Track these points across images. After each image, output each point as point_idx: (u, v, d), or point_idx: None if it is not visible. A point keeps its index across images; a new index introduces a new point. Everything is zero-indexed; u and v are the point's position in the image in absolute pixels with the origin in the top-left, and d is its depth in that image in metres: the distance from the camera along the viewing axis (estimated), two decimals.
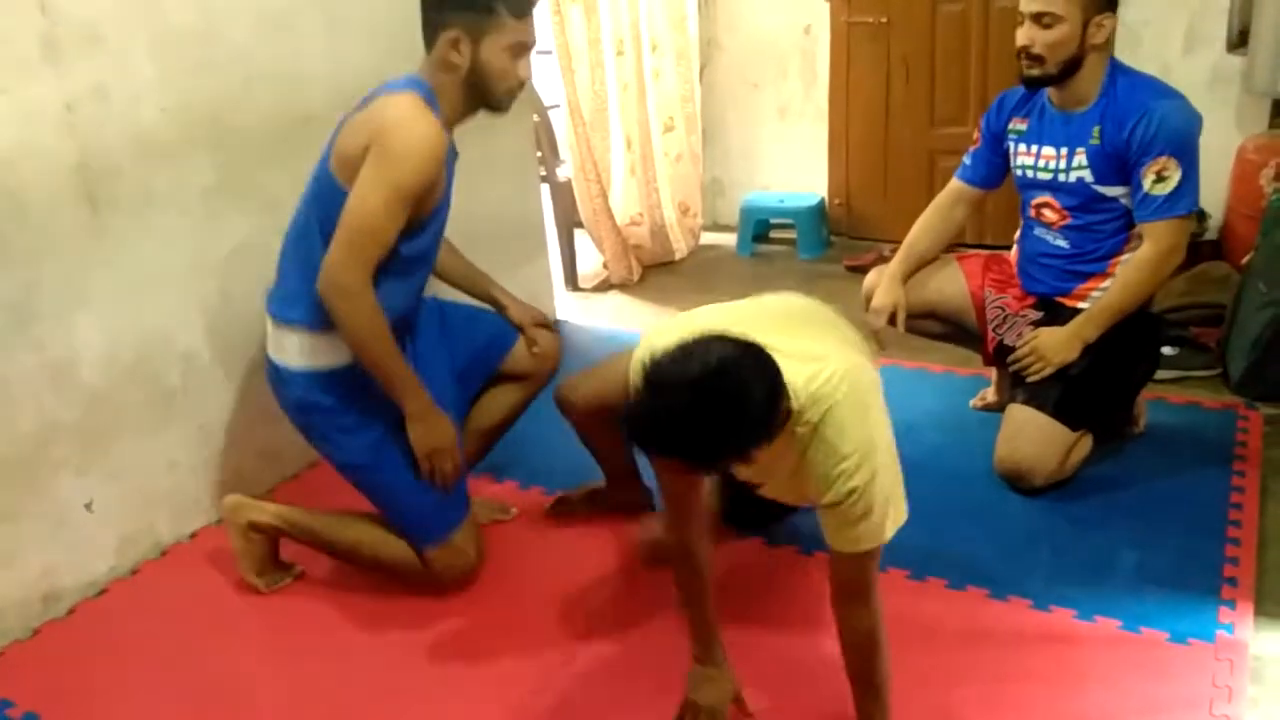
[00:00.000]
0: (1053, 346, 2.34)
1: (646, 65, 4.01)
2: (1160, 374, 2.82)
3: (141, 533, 2.30)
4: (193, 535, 2.40)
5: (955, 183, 2.60)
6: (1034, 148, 2.41)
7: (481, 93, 1.93)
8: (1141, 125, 2.21)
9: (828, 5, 4.19)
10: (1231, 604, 1.95)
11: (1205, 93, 3.57)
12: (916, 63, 4.08)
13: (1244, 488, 2.33)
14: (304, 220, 1.99)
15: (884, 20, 4.08)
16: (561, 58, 3.64)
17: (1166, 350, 2.84)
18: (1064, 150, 2.34)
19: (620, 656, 1.90)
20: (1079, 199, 2.35)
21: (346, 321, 1.85)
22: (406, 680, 1.90)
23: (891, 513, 1.50)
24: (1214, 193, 3.30)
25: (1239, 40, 3.43)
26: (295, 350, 2.00)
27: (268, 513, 2.14)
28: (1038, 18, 2.22)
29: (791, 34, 4.32)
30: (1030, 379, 2.36)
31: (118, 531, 2.24)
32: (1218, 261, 3.34)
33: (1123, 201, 2.31)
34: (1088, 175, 2.31)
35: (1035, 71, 2.28)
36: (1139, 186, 2.25)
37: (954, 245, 2.64)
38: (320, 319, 1.91)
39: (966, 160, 2.58)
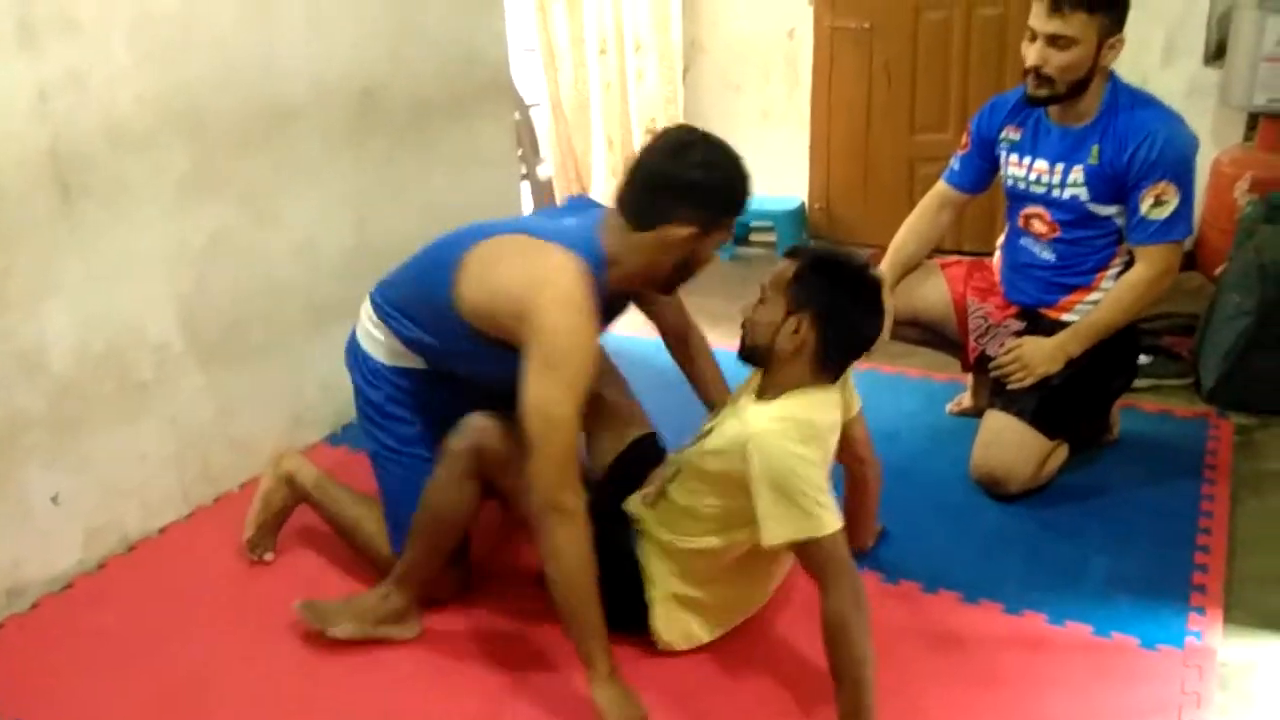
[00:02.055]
0: (1037, 357, 2.34)
1: (629, 65, 4.01)
2: (1134, 382, 2.86)
3: (109, 527, 2.26)
4: (161, 530, 2.36)
5: (941, 186, 2.58)
6: (1027, 159, 2.38)
7: (674, 274, 1.86)
8: (1144, 149, 2.19)
9: (811, 9, 4.21)
10: (1201, 610, 1.97)
11: (1182, 105, 3.55)
12: (898, 69, 4.10)
13: (1214, 496, 2.35)
14: (426, 286, 1.90)
15: (867, 26, 4.10)
16: (544, 55, 3.64)
17: (1141, 359, 2.87)
18: (1059, 166, 2.31)
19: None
20: (1071, 215, 2.33)
21: (560, 551, 1.67)
22: (375, 677, 1.88)
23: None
24: None
25: (1216, 53, 3.48)
26: (383, 348, 2.00)
27: (310, 474, 2.16)
28: (1053, 39, 2.15)
29: (775, 38, 4.33)
30: (1011, 386, 2.36)
31: (84, 525, 2.21)
32: (1191, 272, 3.38)
33: (1115, 220, 2.30)
34: (1083, 194, 2.29)
35: (1043, 92, 2.23)
36: (1136, 209, 2.23)
37: (933, 251, 2.63)
38: (413, 340, 1.95)
39: (954, 164, 2.55)
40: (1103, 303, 2.33)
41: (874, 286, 1.77)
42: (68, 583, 2.18)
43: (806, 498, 1.62)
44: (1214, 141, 3.61)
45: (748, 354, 1.80)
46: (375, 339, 2.03)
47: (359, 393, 2.09)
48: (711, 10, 4.41)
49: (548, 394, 1.65)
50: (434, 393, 2.01)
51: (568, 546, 1.67)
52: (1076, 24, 2.13)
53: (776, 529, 1.63)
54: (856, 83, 4.20)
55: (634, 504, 1.94)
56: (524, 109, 3.88)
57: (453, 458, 1.84)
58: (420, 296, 1.93)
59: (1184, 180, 2.22)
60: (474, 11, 3.09)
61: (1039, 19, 2.17)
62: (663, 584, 1.86)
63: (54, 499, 2.13)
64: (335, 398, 2.78)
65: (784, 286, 1.73)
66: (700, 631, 1.89)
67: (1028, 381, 2.33)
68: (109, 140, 2.11)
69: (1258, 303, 2.66)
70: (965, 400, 2.79)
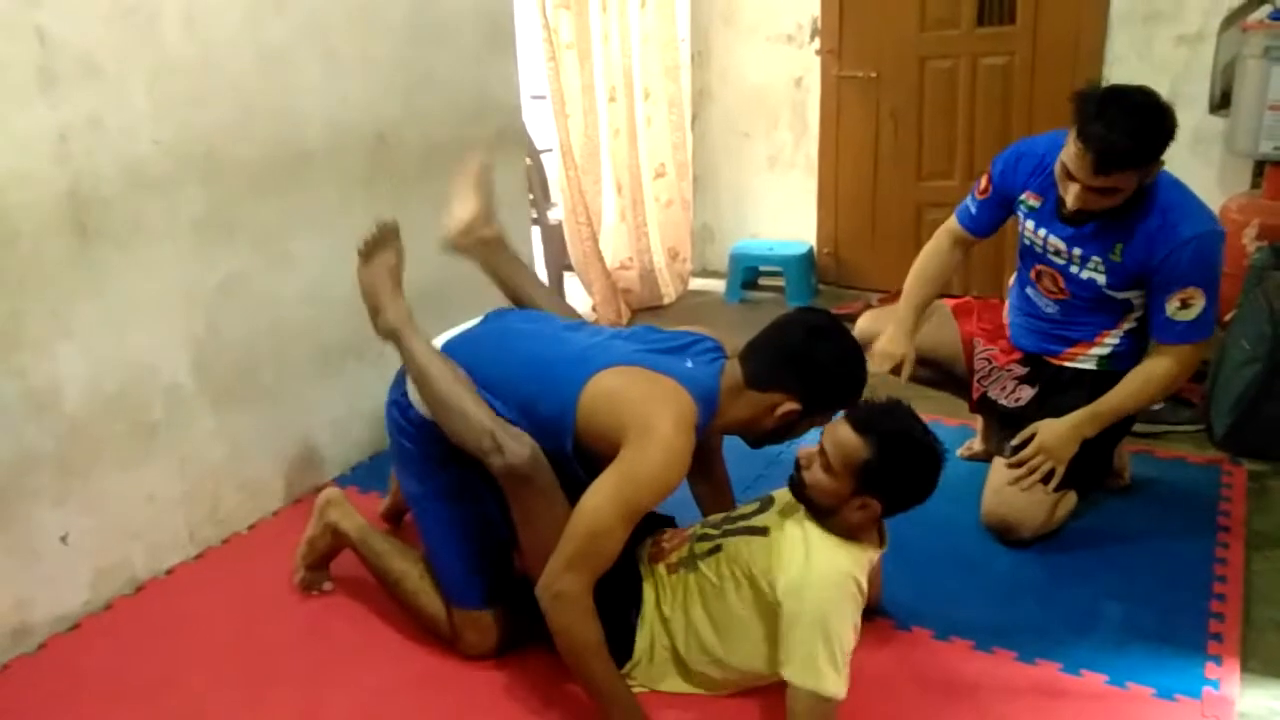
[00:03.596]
0: (1056, 445, 2.29)
1: (639, 112, 4.05)
2: (1145, 428, 2.85)
3: (117, 567, 2.25)
4: (169, 571, 2.35)
5: (954, 225, 2.53)
6: (1043, 231, 2.31)
7: (768, 435, 1.91)
8: (1174, 258, 2.13)
9: (819, 59, 4.26)
10: (1218, 660, 1.95)
11: (1187, 153, 3.63)
12: (905, 116, 4.15)
13: (1229, 543, 2.33)
14: (548, 382, 1.85)
15: (874, 75, 4.15)
16: (555, 102, 3.68)
17: (1153, 405, 2.86)
18: (1077, 251, 2.25)
19: None
20: (1085, 291, 2.30)
21: (560, 632, 1.72)
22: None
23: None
24: None
25: (1221, 102, 3.50)
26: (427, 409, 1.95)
27: (353, 524, 2.16)
28: (1098, 190, 2.08)
29: (783, 86, 4.39)
30: (1035, 476, 2.31)
31: (93, 565, 2.20)
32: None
33: (1132, 300, 2.27)
34: (1100, 280, 2.25)
35: (1080, 218, 2.18)
36: (1161, 308, 2.18)
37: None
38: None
39: (971, 207, 2.48)
40: (1122, 387, 2.28)
41: (939, 465, 1.76)
42: (75, 623, 2.16)
43: (838, 656, 1.65)
44: (1221, 189, 3.62)
45: (804, 500, 1.78)
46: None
47: (398, 444, 2.05)
48: (721, 59, 4.47)
49: (607, 509, 1.68)
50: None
51: (569, 627, 1.71)
52: (1122, 179, 2.05)
53: (802, 670, 1.65)
54: (864, 130, 4.24)
55: (649, 562, 1.93)
56: (535, 154, 3.92)
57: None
58: (534, 385, 1.87)
59: (1212, 284, 2.16)
60: (486, 59, 3.14)
61: (1082, 172, 2.06)
62: (656, 639, 1.87)
63: (63, 539, 2.13)
64: (345, 439, 2.79)
65: (853, 468, 1.70)
66: (681, 686, 1.88)
67: (1059, 472, 2.28)
68: (126, 183, 2.14)
69: (1268, 349, 2.66)
70: (975, 445, 2.78)
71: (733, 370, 1.87)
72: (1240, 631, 2.03)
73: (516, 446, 1.76)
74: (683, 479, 1.75)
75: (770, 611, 1.74)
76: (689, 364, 1.86)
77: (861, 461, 1.69)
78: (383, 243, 2.04)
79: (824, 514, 1.75)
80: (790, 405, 1.82)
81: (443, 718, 1.88)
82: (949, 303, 2.65)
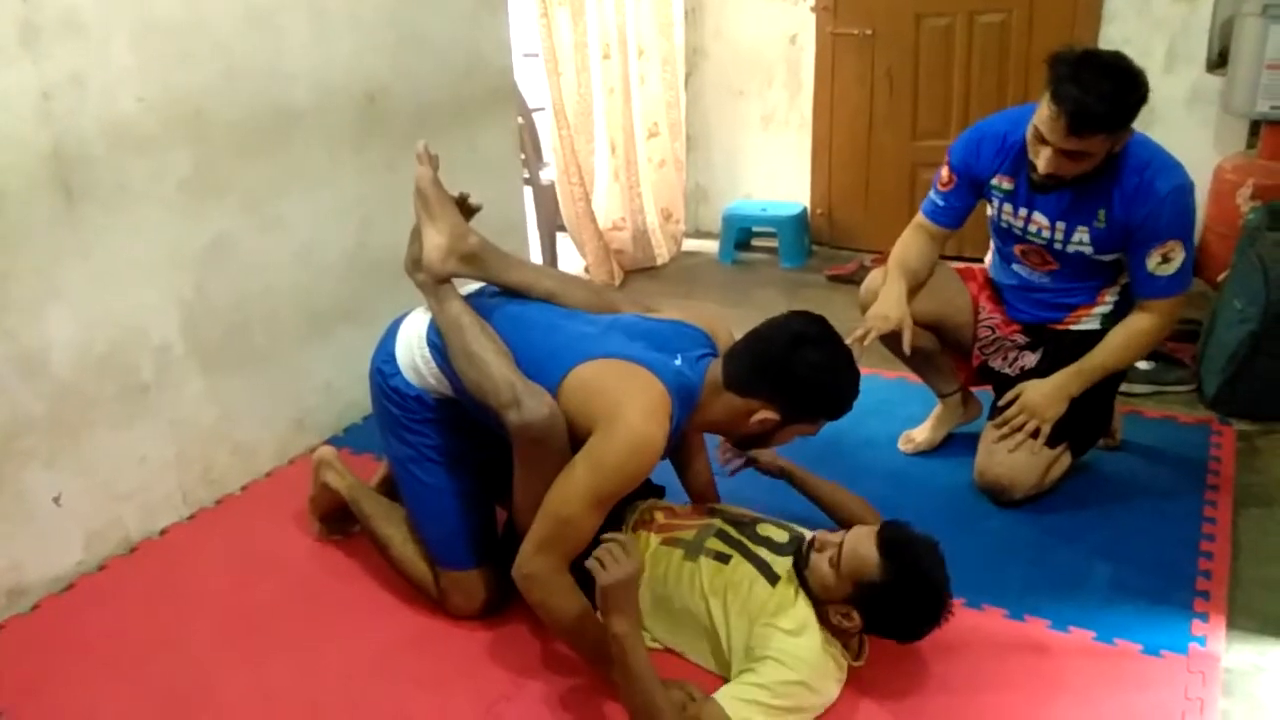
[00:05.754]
0: (1042, 403, 2.30)
1: (633, 70, 4.01)
2: (1136, 388, 2.86)
3: (110, 528, 2.26)
4: (163, 532, 2.36)
5: (923, 221, 2.46)
6: (1024, 211, 2.29)
7: (748, 439, 1.90)
8: (1152, 213, 2.14)
9: (814, 16, 4.21)
10: (1204, 617, 1.97)
11: (1184, 111, 3.62)
12: (900, 75, 4.11)
13: (1217, 503, 2.34)
14: (525, 367, 1.82)
15: (869, 32, 4.10)
16: (548, 60, 3.64)
17: (1142, 365, 2.87)
18: (1061, 224, 2.25)
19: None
20: (1073, 263, 2.30)
21: (537, 607, 1.77)
22: (377, 679, 1.88)
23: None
24: None
25: (1218, 60, 3.48)
26: (429, 386, 1.95)
27: (344, 483, 2.18)
28: (1069, 153, 2.07)
29: (777, 44, 4.34)
30: (1022, 435, 2.32)
31: (86, 526, 2.21)
32: (1194, 279, 3.37)
33: (1123, 261, 2.27)
34: (1088, 250, 2.25)
35: (1051, 183, 2.16)
36: (1141, 265, 2.20)
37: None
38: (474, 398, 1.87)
39: (939, 201, 2.43)
40: (1106, 345, 2.29)
41: (937, 618, 1.73)
42: (69, 584, 2.17)
43: (783, 714, 1.64)
44: (1216, 148, 3.61)
45: (800, 576, 1.77)
46: (422, 375, 1.95)
47: (382, 407, 2.03)
48: (715, 16, 4.42)
49: (574, 495, 1.68)
50: (459, 419, 1.97)
51: (547, 605, 1.75)
52: (1094, 142, 2.05)
53: (742, 705, 1.62)
54: (859, 88, 4.20)
55: (634, 529, 1.94)
56: (527, 114, 3.89)
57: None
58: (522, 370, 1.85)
59: (1189, 236, 2.19)
60: (478, 18, 3.10)
61: (1055, 134, 2.05)
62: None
63: (56, 500, 2.13)
64: (336, 401, 2.79)
65: (858, 580, 1.68)
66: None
67: (1044, 430, 2.30)
68: (111, 143, 2.12)
69: (1260, 310, 2.66)
70: (917, 435, 2.66)
71: (716, 370, 1.84)
72: (1227, 589, 2.05)
73: (534, 404, 1.74)
74: (651, 468, 1.74)
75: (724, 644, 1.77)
76: (676, 360, 1.83)
77: (868, 580, 1.68)
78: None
79: (811, 598, 1.75)
80: (767, 414, 1.79)
81: (439, 676, 1.89)
82: (956, 268, 2.59)
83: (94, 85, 2.07)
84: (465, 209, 2.02)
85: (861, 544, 1.70)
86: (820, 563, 1.73)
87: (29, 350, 2.04)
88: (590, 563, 1.63)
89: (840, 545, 1.72)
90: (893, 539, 1.70)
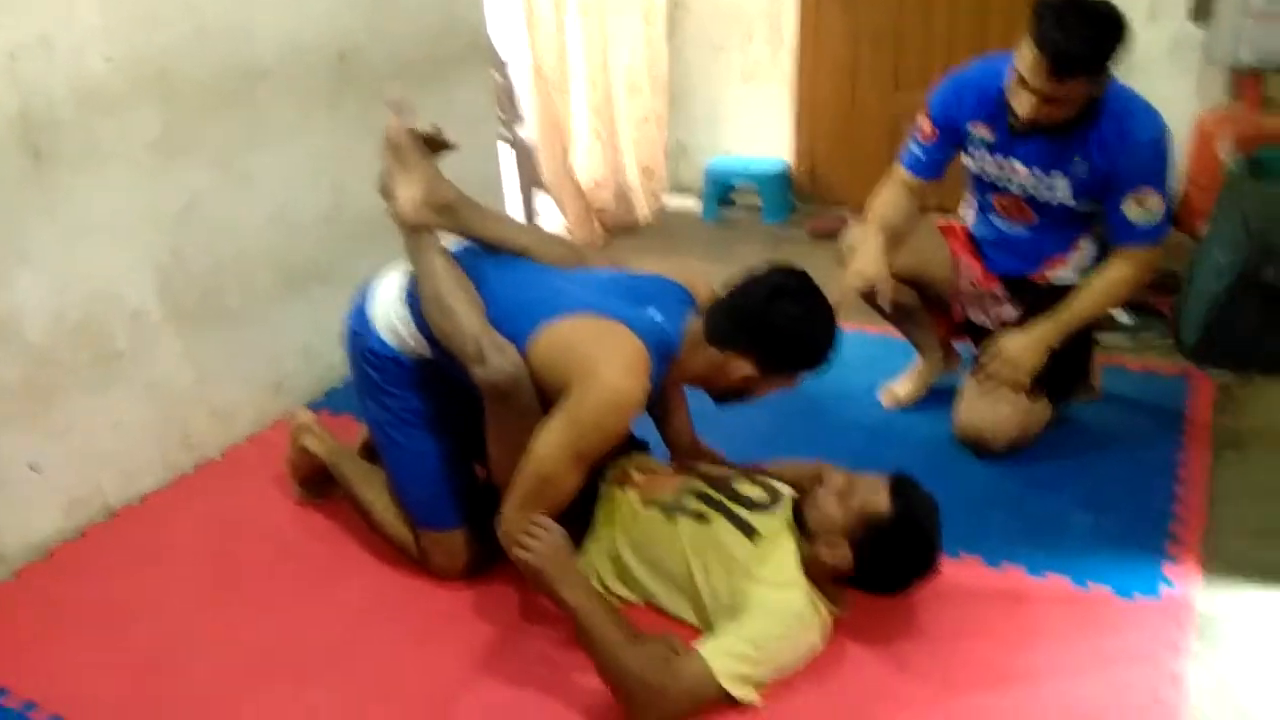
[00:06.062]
0: (1020, 355, 2.30)
1: (611, 26, 3.95)
2: (1116, 339, 2.87)
3: (89, 494, 2.25)
4: (142, 498, 2.36)
5: (903, 173, 2.45)
6: (1003, 159, 2.30)
7: (728, 393, 1.88)
8: (1130, 159, 2.15)
9: None
10: (1175, 560, 1.99)
11: (1166, 61, 3.59)
12: (883, 27, 4.06)
13: (1192, 451, 2.37)
14: (498, 324, 1.81)
15: None
16: (525, 16, 3.58)
17: (1122, 317, 2.88)
18: (1039, 172, 2.25)
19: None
20: (1052, 212, 2.30)
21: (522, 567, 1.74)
22: (362, 642, 1.89)
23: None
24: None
25: (1201, 10, 3.45)
26: (406, 347, 1.93)
27: (324, 447, 2.19)
28: (1049, 98, 2.07)
29: None
30: (1002, 385, 2.32)
31: (65, 493, 2.20)
32: (1174, 230, 3.37)
33: (1098, 211, 2.27)
34: (1067, 199, 2.25)
35: (1030, 129, 2.16)
36: (1117, 210, 2.19)
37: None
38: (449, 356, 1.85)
39: (919, 153, 2.41)
40: (1083, 294, 2.29)
41: (923, 571, 1.79)
42: (49, 551, 2.17)
43: (766, 664, 1.65)
44: (1198, 98, 3.58)
45: (799, 512, 1.80)
46: (400, 335, 1.94)
47: (360, 371, 2.02)
48: None
49: (553, 453, 1.69)
50: (437, 380, 1.97)
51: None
52: (1075, 86, 2.05)
53: (724, 657, 1.62)
54: (840, 41, 4.15)
55: (612, 483, 1.95)
56: (503, 71, 3.83)
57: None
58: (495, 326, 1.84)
59: (1165, 183, 2.19)
60: None
61: (1036, 77, 2.05)
62: (605, 542, 1.91)
63: (33, 467, 2.12)
64: (316, 364, 2.78)
65: (866, 517, 1.72)
66: (613, 589, 1.91)
67: (1023, 381, 2.30)
68: (79, 104, 2.08)
69: (1240, 260, 2.66)
70: (899, 389, 2.67)
71: (696, 323, 1.84)
72: (1201, 535, 2.07)
73: (499, 360, 1.73)
74: (630, 423, 1.74)
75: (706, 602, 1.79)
76: (655, 314, 1.82)
77: (874, 516, 1.72)
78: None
79: (806, 535, 1.77)
80: (743, 366, 1.80)
81: (422, 636, 1.91)
82: (938, 222, 2.58)
83: (61, 46, 2.03)
84: (436, 145, 1.97)
85: (874, 487, 1.75)
86: (827, 500, 1.75)
87: (1, 316, 2.01)
88: (515, 556, 1.66)
89: (850, 481, 1.76)
90: (905, 484, 1.76)
